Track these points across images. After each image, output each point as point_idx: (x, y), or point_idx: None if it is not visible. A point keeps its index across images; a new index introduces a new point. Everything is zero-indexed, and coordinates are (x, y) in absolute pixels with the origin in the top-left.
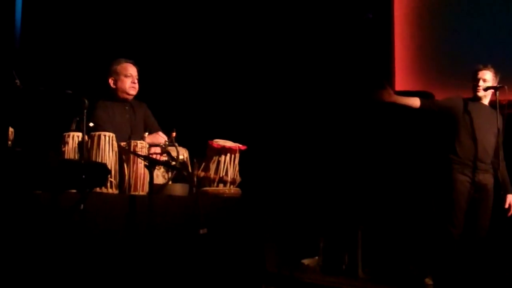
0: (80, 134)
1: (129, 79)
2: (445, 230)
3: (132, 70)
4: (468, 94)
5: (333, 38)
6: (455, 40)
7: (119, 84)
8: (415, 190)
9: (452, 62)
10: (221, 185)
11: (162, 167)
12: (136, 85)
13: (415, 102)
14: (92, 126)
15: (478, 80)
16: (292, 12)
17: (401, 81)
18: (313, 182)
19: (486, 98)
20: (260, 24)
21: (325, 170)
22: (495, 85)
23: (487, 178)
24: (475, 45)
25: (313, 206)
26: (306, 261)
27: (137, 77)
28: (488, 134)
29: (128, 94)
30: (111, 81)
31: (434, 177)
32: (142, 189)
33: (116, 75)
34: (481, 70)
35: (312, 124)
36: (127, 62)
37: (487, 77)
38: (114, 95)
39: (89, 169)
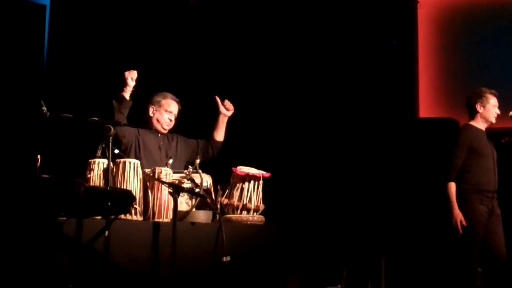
0: (105, 160)
1: (168, 115)
2: (466, 263)
3: (174, 107)
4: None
5: (358, 63)
6: (479, 66)
7: (158, 115)
8: (437, 219)
9: (477, 89)
10: (244, 212)
11: (186, 194)
12: (172, 123)
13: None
14: (118, 153)
15: (496, 106)
16: (318, 36)
17: (425, 108)
18: (336, 210)
19: None
20: (283, 49)
21: (349, 198)
22: None
23: (497, 205)
24: (499, 71)
25: (336, 234)
26: None
27: (176, 115)
28: (494, 161)
29: (163, 128)
30: (150, 109)
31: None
32: (166, 216)
33: (158, 107)
34: (497, 97)
35: (336, 152)
36: (173, 98)
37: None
38: (148, 124)
39: (114, 196)
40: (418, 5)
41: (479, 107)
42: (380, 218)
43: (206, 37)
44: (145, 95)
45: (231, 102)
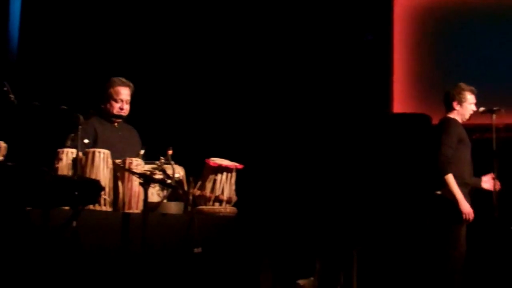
0: (74, 150)
1: (118, 104)
2: (446, 254)
3: (124, 93)
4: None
5: (334, 58)
6: (453, 63)
7: (108, 107)
8: (412, 211)
9: (450, 86)
10: (216, 204)
11: (157, 185)
12: (125, 110)
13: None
14: (88, 143)
15: (473, 104)
16: (294, 31)
17: (399, 104)
18: (309, 203)
19: None
20: (258, 42)
21: (322, 191)
22: None
23: None
24: (473, 69)
25: (309, 227)
26: (301, 282)
27: (128, 99)
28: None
29: (116, 118)
30: (104, 100)
31: (434, 199)
32: (137, 207)
33: (108, 97)
34: (475, 93)
35: (309, 144)
36: (120, 84)
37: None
38: (105, 115)
39: (82, 185)
40: (395, 1)
41: (456, 104)
42: (353, 211)
43: (178, 30)
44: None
45: (204, 95)
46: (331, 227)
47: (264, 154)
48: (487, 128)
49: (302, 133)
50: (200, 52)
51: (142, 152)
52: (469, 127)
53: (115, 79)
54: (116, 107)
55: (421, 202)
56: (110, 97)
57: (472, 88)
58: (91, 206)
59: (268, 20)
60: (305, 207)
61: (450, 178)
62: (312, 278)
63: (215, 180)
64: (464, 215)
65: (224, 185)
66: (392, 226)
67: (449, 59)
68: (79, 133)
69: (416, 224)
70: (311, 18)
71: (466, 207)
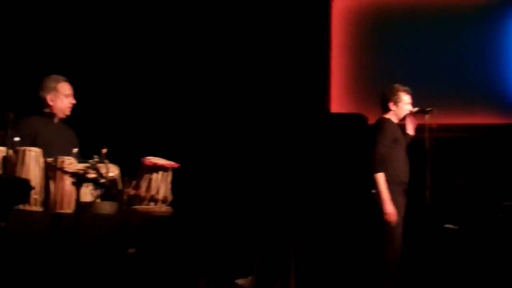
0: (4, 148)
1: (68, 99)
2: (381, 251)
3: (70, 89)
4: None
5: (271, 58)
6: (390, 63)
7: (59, 103)
8: (349, 209)
9: (386, 87)
10: (152, 204)
11: (90, 184)
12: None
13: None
14: (18, 141)
15: (408, 104)
16: (231, 30)
17: (336, 103)
18: (247, 202)
19: None
20: (196, 40)
21: (260, 190)
22: None
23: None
24: (408, 70)
25: (247, 226)
26: (240, 281)
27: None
28: (407, 154)
29: (65, 114)
30: (48, 98)
31: (370, 197)
32: (69, 207)
33: (56, 93)
34: (410, 94)
35: (246, 143)
36: (64, 80)
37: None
38: (48, 112)
39: (10, 184)
40: (332, 1)
41: (392, 105)
42: (291, 211)
43: (110, 27)
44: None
45: (140, 94)
46: (268, 226)
47: (201, 153)
48: (420, 128)
49: (242, 134)
50: (134, 50)
51: (75, 150)
52: (403, 126)
53: (56, 76)
54: (66, 103)
55: (358, 201)
56: (59, 93)
57: (407, 88)
58: (21, 206)
59: (205, 18)
60: (243, 206)
61: (379, 178)
62: (250, 278)
63: (150, 179)
64: (385, 215)
65: (160, 185)
66: (329, 225)
67: (385, 59)
68: (8, 131)
69: (353, 222)
70: (248, 18)
71: (389, 208)
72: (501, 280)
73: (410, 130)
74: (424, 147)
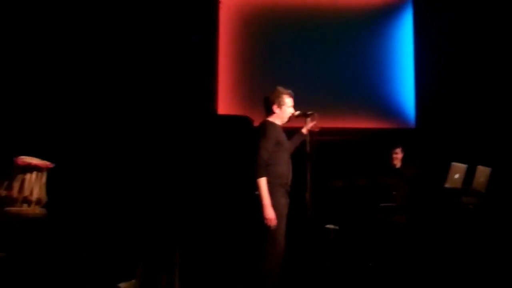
0: None
1: None
2: (265, 252)
3: None
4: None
5: (159, 59)
6: (276, 66)
7: None
8: (234, 210)
9: (273, 88)
10: (25, 205)
11: None
12: None
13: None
14: None
15: (291, 107)
16: (117, 29)
17: (224, 105)
18: (130, 205)
19: None
20: (71, 38)
21: (143, 192)
22: None
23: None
24: (294, 71)
25: (130, 229)
26: (122, 285)
27: None
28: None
29: None
30: None
31: (254, 199)
32: None
33: None
34: (293, 96)
35: (134, 147)
36: None
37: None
38: None
39: None
40: (220, 4)
41: (275, 108)
42: (175, 213)
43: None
44: None
45: (15, 93)
46: (153, 228)
47: (79, 153)
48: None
49: (120, 132)
50: (15, 49)
51: None
52: (287, 130)
53: None
54: None
55: (243, 202)
56: None
57: (290, 91)
58: None
59: (92, 18)
60: (126, 209)
61: (261, 182)
62: (133, 281)
63: (23, 180)
64: (265, 220)
65: (34, 185)
66: (214, 227)
67: (273, 62)
68: None
69: (238, 224)
70: (136, 17)
71: (269, 214)
72: (380, 277)
73: (305, 130)
74: (305, 150)
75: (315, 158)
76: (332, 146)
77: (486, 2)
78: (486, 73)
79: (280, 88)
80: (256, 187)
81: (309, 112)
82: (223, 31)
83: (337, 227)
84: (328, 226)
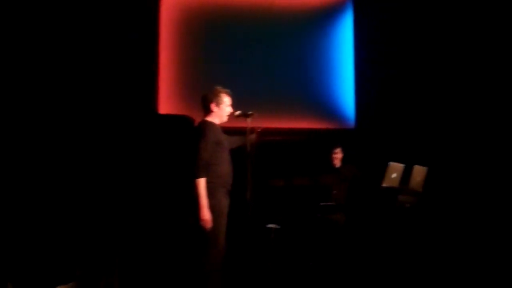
0: None
1: None
2: (205, 252)
3: None
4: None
5: (99, 57)
6: (217, 66)
7: None
8: (174, 210)
9: (212, 88)
10: None
11: None
12: None
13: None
14: None
15: (229, 105)
16: (59, 27)
17: (165, 105)
18: (67, 206)
19: None
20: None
21: (80, 194)
22: None
23: None
24: (235, 71)
25: (68, 231)
26: None
27: None
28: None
29: None
30: None
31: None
32: None
33: None
34: (231, 96)
35: (72, 149)
36: None
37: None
38: None
39: None
40: (161, 3)
41: (213, 106)
42: (114, 214)
43: None
44: None
45: None
46: (91, 232)
47: (18, 153)
48: (241, 131)
49: (59, 132)
50: None
51: None
52: (227, 130)
53: None
54: None
55: (183, 203)
56: None
57: (228, 90)
58: None
59: (29, 14)
60: (60, 210)
61: (200, 183)
62: (71, 284)
63: None
64: (201, 221)
65: None
66: (154, 228)
67: (214, 61)
68: None
69: (178, 224)
70: (74, 13)
71: (205, 215)
72: (321, 275)
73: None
74: (246, 150)
75: (255, 158)
76: (272, 146)
77: (426, 2)
78: (423, 74)
79: (218, 87)
80: (194, 188)
81: (249, 112)
82: (164, 29)
83: (278, 227)
84: (269, 225)
